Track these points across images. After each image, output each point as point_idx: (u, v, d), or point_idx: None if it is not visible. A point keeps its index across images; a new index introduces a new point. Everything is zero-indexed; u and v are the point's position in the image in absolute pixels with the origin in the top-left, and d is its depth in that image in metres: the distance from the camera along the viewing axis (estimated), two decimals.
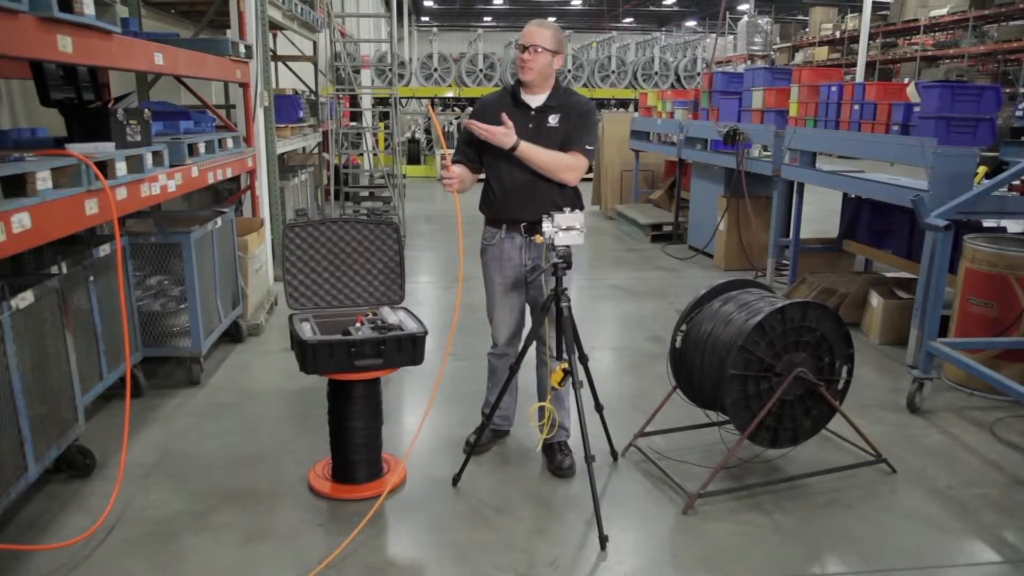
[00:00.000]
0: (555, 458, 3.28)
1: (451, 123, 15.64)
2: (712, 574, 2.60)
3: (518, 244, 3.16)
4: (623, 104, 16.72)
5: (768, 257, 6.46)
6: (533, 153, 3.00)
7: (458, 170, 3.07)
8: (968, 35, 17.58)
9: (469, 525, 2.87)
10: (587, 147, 3.09)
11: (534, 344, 3.15)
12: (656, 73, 16.52)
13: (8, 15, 2.43)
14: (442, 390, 4.14)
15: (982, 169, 4.46)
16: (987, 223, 5.20)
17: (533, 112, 3.08)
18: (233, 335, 4.86)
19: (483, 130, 2.93)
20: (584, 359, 3.04)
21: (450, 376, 4.25)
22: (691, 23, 34.56)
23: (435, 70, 15.91)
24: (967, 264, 4.20)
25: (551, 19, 3.01)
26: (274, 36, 7.78)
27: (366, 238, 3.24)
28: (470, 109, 16.62)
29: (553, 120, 3.08)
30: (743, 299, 3.16)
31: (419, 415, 3.91)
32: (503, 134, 2.94)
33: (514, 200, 3.09)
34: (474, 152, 3.18)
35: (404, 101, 15.52)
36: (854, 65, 18.42)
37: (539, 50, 2.98)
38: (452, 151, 3.15)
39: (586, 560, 2.66)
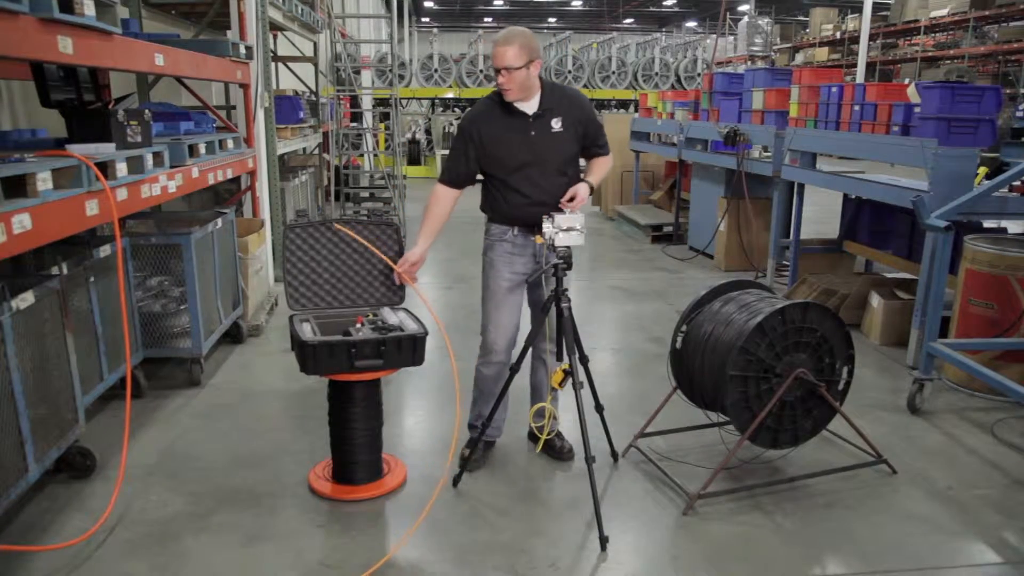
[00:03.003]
0: (554, 445, 3.35)
1: (451, 124, 15.66)
2: (712, 575, 2.60)
3: (532, 239, 3.09)
4: (623, 105, 16.73)
5: (768, 258, 6.46)
6: (597, 180, 3.13)
7: (420, 251, 3.07)
8: (968, 36, 17.59)
9: (469, 526, 2.87)
10: (607, 142, 3.20)
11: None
12: (656, 74, 16.52)
13: (8, 16, 2.43)
14: (442, 390, 4.14)
15: (982, 170, 4.45)
16: (987, 224, 5.20)
17: (531, 119, 3.00)
18: (233, 336, 4.86)
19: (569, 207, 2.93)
20: (584, 360, 3.03)
21: (449, 376, 4.24)
22: (691, 24, 34.60)
23: (435, 71, 15.92)
24: (967, 265, 4.20)
25: (513, 30, 2.89)
26: (274, 37, 7.78)
27: (367, 239, 3.24)
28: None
29: (556, 124, 3.01)
30: (743, 300, 3.16)
31: (420, 416, 3.92)
32: (581, 196, 2.97)
33: (543, 209, 2.97)
34: (476, 168, 3.07)
35: (404, 102, 15.53)
36: (854, 66, 18.44)
37: (512, 70, 2.87)
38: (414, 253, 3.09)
39: (586, 561, 2.66)
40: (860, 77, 17.30)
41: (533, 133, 3.00)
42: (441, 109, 16.67)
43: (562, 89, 3.12)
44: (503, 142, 3.02)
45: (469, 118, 3.09)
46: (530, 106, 3.01)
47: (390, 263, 3.12)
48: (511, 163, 3.02)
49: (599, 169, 3.17)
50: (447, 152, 3.19)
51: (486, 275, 3.21)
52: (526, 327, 3.24)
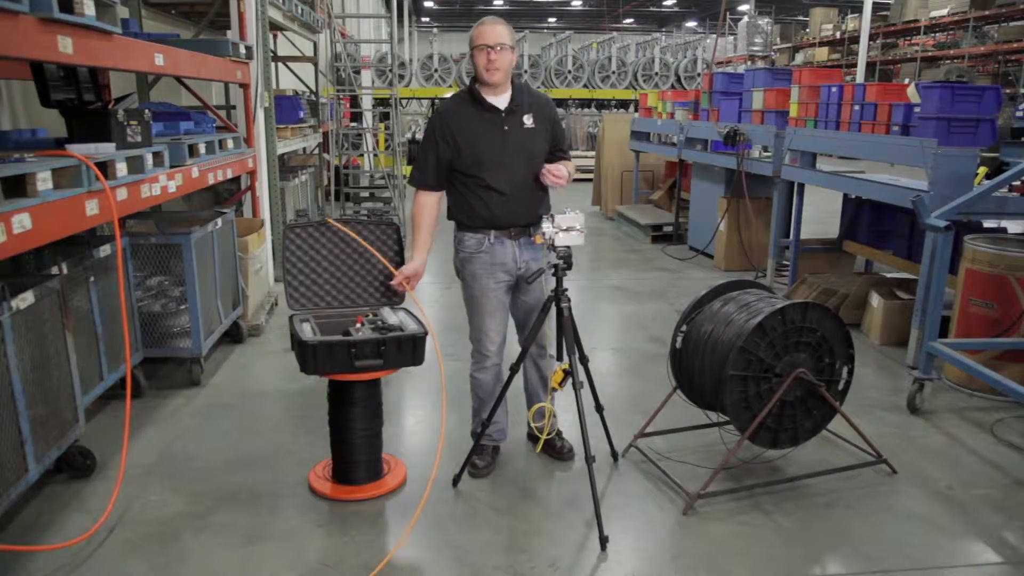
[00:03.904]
0: (555, 444, 3.35)
1: None
2: (712, 575, 2.60)
3: (509, 247, 3.06)
4: (623, 105, 16.74)
5: (768, 258, 6.45)
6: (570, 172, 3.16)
7: (419, 264, 3.07)
8: (968, 36, 17.59)
9: (469, 525, 2.87)
10: (569, 146, 3.30)
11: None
12: (656, 74, 16.54)
13: (8, 16, 2.43)
14: (440, 391, 4.14)
15: (982, 170, 4.46)
16: (987, 224, 5.20)
17: (504, 113, 2.97)
18: (233, 336, 4.86)
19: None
20: (584, 360, 3.02)
21: (449, 376, 4.24)
22: (691, 24, 34.59)
23: (435, 71, 15.93)
24: (967, 265, 4.20)
25: (494, 17, 2.95)
26: (274, 37, 7.78)
27: (366, 239, 3.24)
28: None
29: (528, 121, 3.00)
30: (743, 300, 3.16)
31: (420, 416, 3.92)
32: (566, 172, 3.03)
33: (517, 207, 3.00)
34: (447, 167, 3.02)
35: (404, 102, 15.52)
36: (854, 66, 18.44)
37: (504, 47, 2.85)
38: (411, 261, 3.06)
39: (586, 561, 2.66)
40: (860, 77, 17.29)
41: (507, 128, 2.97)
42: None
43: (529, 88, 3.16)
44: (477, 137, 2.97)
45: (439, 114, 3.03)
46: (502, 100, 2.99)
47: (392, 269, 3.11)
48: (486, 158, 2.96)
49: (569, 172, 3.19)
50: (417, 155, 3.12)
51: (470, 287, 3.14)
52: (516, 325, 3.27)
